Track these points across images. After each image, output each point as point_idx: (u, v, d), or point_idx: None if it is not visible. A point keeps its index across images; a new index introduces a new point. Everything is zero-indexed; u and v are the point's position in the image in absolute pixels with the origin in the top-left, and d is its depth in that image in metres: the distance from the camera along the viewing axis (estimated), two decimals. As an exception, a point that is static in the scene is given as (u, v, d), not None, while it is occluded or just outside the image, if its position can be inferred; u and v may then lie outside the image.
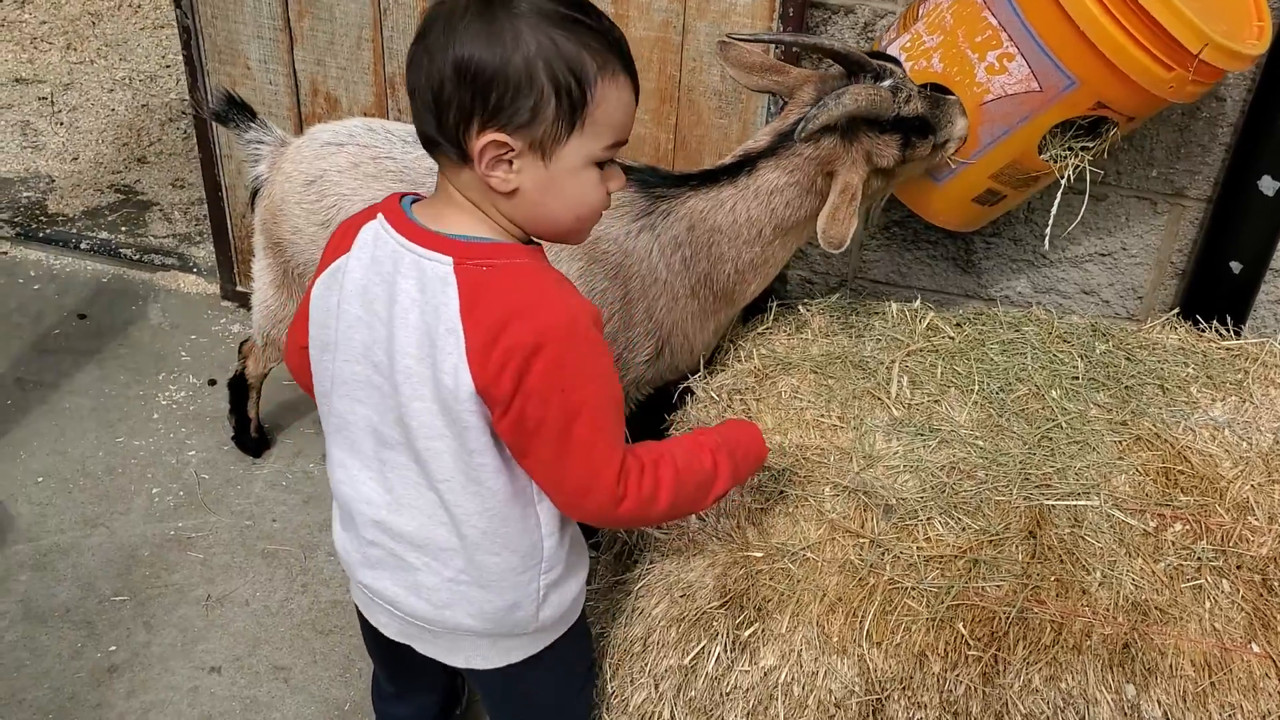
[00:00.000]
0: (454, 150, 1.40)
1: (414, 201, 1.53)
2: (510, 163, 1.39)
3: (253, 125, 2.50)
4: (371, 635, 1.85)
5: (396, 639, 1.74)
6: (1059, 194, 2.31)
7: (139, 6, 5.16)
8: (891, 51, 2.24)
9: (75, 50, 4.78)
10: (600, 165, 1.45)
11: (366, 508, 1.60)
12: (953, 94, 2.19)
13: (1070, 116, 2.13)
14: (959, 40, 2.12)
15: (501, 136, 1.36)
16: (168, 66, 4.71)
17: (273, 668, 2.41)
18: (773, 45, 2.53)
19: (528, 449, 1.46)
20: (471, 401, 1.42)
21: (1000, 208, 2.39)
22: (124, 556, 2.64)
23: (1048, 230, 2.45)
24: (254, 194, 2.55)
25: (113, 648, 2.43)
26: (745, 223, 2.24)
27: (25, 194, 3.91)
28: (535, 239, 1.53)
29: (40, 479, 2.83)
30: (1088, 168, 2.24)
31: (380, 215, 1.49)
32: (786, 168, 2.19)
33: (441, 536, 1.56)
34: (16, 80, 4.57)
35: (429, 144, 1.45)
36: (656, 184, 2.28)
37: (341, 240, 1.55)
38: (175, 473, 2.88)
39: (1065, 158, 2.21)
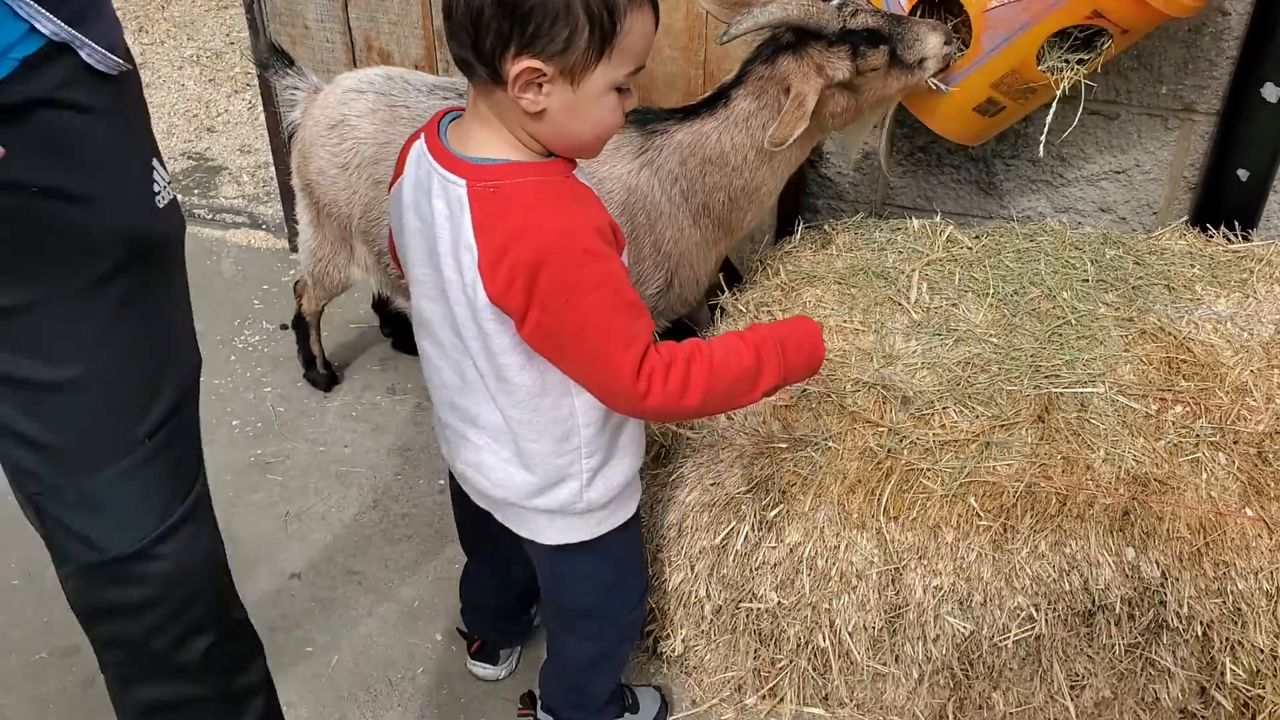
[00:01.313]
0: (487, 71, 1.49)
1: (454, 119, 1.67)
2: (540, 86, 1.47)
3: (289, 72, 2.69)
4: (461, 505, 2.06)
5: (480, 504, 1.92)
6: (1054, 103, 2.44)
7: (203, -10, 5.43)
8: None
9: (146, 33, 5.05)
10: (619, 90, 1.57)
11: (443, 391, 1.79)
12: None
13: (1067, 25, 2.26)
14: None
15: (536, 63, 1.44)
16: (232, 43, 4.96)
17: (346, 572, 2.63)
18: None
19: (553, 355, 1.61)
20: (488, 310, 1.57)
21: (1001, 119, 2.52)
22: (210, 480, 2.87)
23: (1043, 137, 2.57)
24: (290, 139, 2.75)
25: (203, 558, 2.67)
26: (730, 151, 2.36)
27: (106, 164, 4.19)
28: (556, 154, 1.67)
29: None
30: (1082, 81, 2.36)
31: (422, 136, 1.65)
32: (754, 92, 2.33)
33: (495, 421, 1.74)
34: (93, 62, 4.86)
35: (463, 65, 1.56)
36: (649, 121, 2.43)
37: (400, 159, 1.71)
38: (253, 407, 3.12)
39: (1061, 70, 2.34)
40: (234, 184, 4.06)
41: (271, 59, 2.70)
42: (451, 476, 2.00)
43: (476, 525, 2.05)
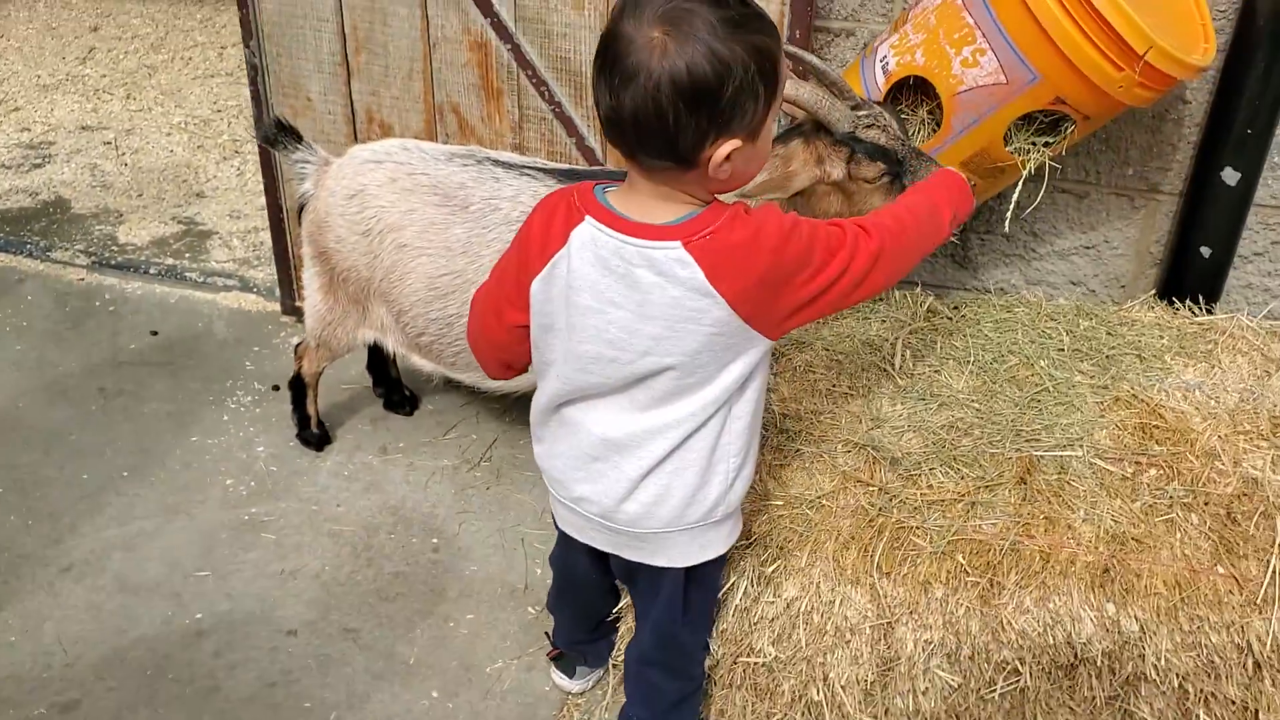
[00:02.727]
0: (681, 164, 1.57)
1: (605, 190, 1.71)
2: (730, 156, 1.57)
3: (299, 147, 2.82)
4: (571, 566, 2.22)
5: (605, 549, 1.98)
6: (1019, 182, 2.59)
7: (190, 59, 5.54)
8: (881, 50, 2.54)
9: (134, 99, 5.14)
10: None
11: (595, 429, 1.84)
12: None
13: (1032, 109, 2.41)
14: (939, 37, 2.41)
15: (736, 142, 1.54)
16: (219, 111, 5.06)
17: (343, 630, 2.67)
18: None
19: (833, 305, 1.73)
20: (741, 332, 1.67)
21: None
22: (204, 538, 2.91)
23: (1009, 214, 2.71)
24: (300, 209, 2.86)
25: (199, 615, 2.69)
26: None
27: (98, 227, 4.25)
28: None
29: (125, 473, 3.12)
30: (1048, 162, 2.52)
31: (589, 218, 1.67)
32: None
33: (665, 442, 1.79)
34: (83, 128, 4.94)
35: (645, 168, 1.61)
36: None
37: (545, 239, 1.74)
38: (246, 466, 3.16)
39: (1028, 151, 2.49)
40: (225, 248, 4.13)
41: (279, 135, 2.80)
42: (564, 538, 2.10)
43: (585, 579, 2.23)
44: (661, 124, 1.51)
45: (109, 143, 4.83)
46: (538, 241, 1.74)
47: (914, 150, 2.41)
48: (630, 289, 1.66)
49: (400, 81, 3.18)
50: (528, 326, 1.82)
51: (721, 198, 1.71)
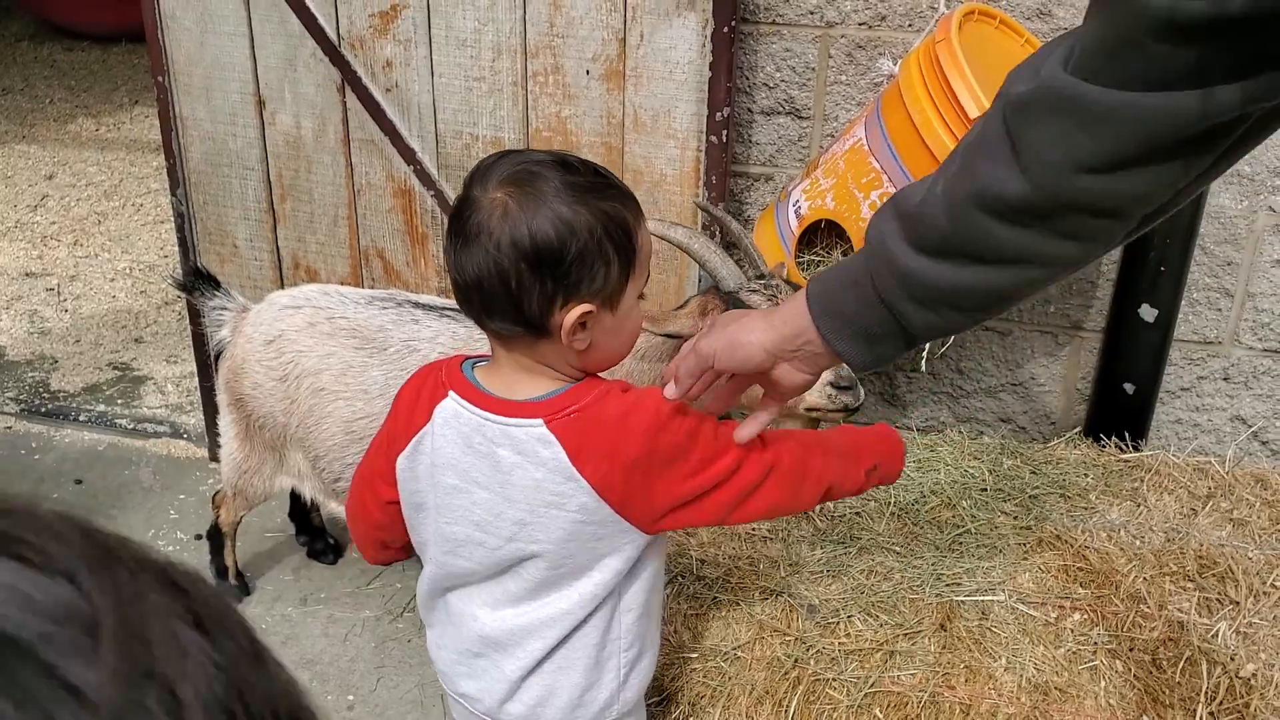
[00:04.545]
0: (531, 330, 1.50)
1: (474, 366, 1.66)
2: (585, 325, 1.50)
3: (216, 294, 2.79)
4: None
5: None
6: None
7: (141, 205, 5.57)
8: (794, 195, 2.56)
9: (81, 246, 5.15)
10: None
11: (473, 623, 1.72)
12: None
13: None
14: (849, 182, 2.43)
15: (586, 306, 1.48)
16: (165, 256, 5.07)
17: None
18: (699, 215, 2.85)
19: (717, 516, 1.60)
20: (612, 522, 1.55)
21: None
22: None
23: (924, 355, 2.70)
24: (217, 356, 2.82)
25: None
26: (631, 370, 2.44)
27: (30, 374, 4.19)
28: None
29: (33, 630, 3.00)
30: None
31: (452, 393, 1.62)
32: (677, 311, 2.46)
33: (549, 636, 1.66)
34: (27, 274, 4.93)
35: (498, 336, 1.55)
36: None
37: (411, 413, 1.66)
38: (161, 621, 3.05)
39: None
40: (158, 393, 4.08)
41: (195, 282, 2.79)
42: None
43: None
44: (504, 286, 1.46)
45: (51, 289, 4.81)
46: (404, 417, 1.66)
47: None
48: (493, 469, 1.57)
49: (326, 228, 3.18)
50: (399, 503, 1.73)
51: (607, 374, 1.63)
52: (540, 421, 1.53)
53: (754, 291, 2.34)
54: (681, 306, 2.48)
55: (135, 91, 7.28)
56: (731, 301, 2.33)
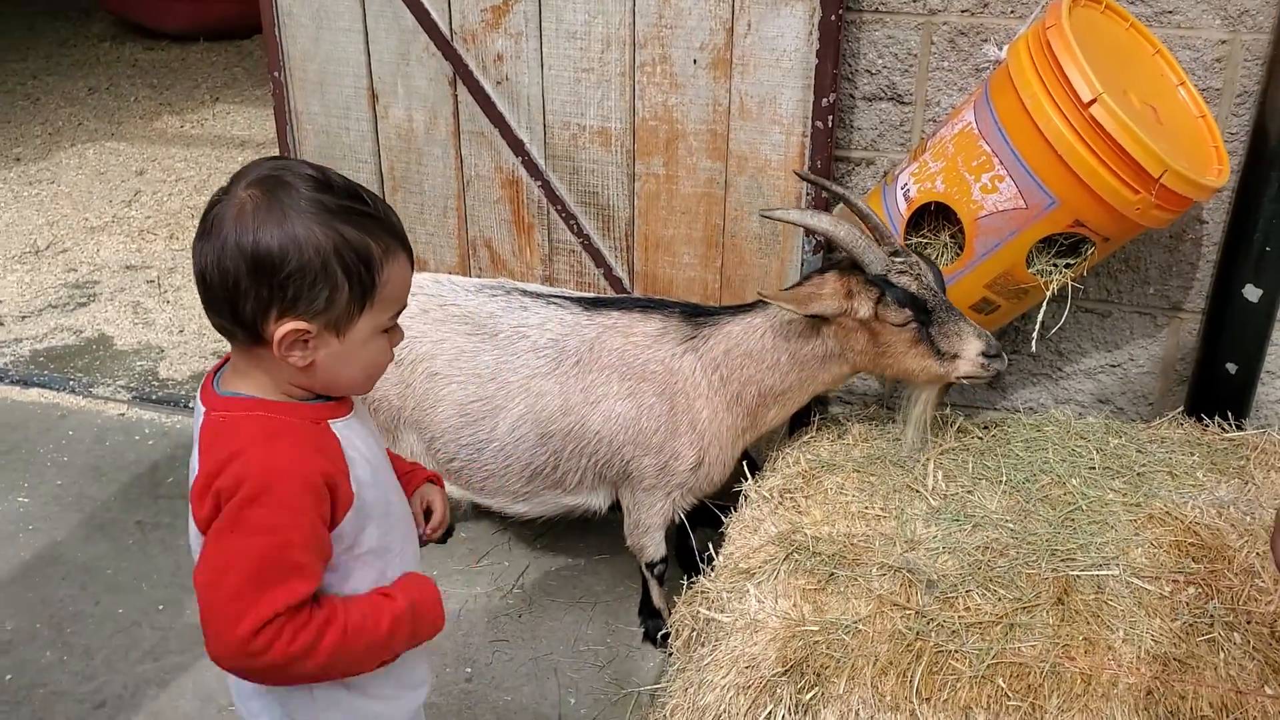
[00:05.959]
0: (247, 335, 1.49)
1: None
2: (307, 343, 1.50)
3: None
4: None
5: None
6: (1044, 303, 2.62)
7: (231, 199, 5.74)
8: (902, 178, 2.61)
9: (177, 239, 5.31)
10: (386, 330, 1.58)
11: None
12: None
13: (1052, 232, 2.47)
14: (959, 165, 2.48)
15: (300, 324, 1.47)
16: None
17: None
18: (809, 192, 2.91)
19: (196, 578, 1.51)
20: (198, 540, 1.53)
21: (998, 317, 2.71)
22: (239, 671, 2.90)
23: (1034, 334, 2.74)
24: None
25: (232, 750, 2.68)
26: (768, 349, 2.60)
27: (139, 363, 4.35)
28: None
29: (160, 607, 3.13)
30: (1069, 283, 2.56)
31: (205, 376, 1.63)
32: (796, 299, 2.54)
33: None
34: (127, 267, 5.10)
35: (222, 330, 1.53)
36: (698, 314, 2.69)
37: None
38: (281, 598, 3.17)
39: (1050, 273, 2.54)
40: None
41: None
42: None
43: None
44: (225, 285, 1.45)
45: (151, 281, 4.97)
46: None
47: (944, 303, 2.48)
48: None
49: (435, 218, 3.28)
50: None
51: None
52: (205, 410, 1.56)
53: (901, 273, 2.42)
54: (800, 285, 2.54)
55: (215, 88, 7.47)
56: (879, 281, 2.42)
